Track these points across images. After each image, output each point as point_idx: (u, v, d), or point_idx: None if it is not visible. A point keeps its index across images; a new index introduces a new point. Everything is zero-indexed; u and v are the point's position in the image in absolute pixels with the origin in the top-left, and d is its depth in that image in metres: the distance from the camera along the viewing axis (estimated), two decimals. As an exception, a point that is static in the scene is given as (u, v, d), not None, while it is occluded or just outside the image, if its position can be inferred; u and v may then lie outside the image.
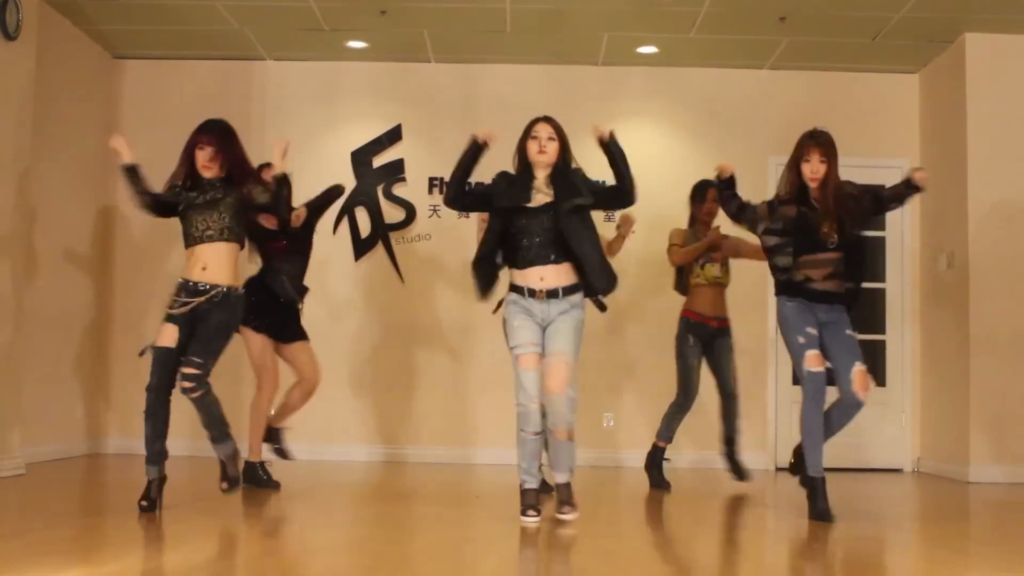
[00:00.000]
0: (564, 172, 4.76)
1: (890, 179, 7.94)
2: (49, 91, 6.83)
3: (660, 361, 7.76)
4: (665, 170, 7.89)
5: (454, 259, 7.77)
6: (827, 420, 5.08)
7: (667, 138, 7.99)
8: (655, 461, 6.28)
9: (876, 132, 7.94)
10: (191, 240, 4.93)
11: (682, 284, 6.41)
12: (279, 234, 5.95)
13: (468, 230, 7.78)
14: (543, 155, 4.70)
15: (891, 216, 7.93)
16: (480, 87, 7.98)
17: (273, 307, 5.97)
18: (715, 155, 7.87)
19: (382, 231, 7.88)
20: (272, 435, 6.09)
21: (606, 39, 7.46)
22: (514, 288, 4.75)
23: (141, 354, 4.96)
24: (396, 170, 7.94)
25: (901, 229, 7.89)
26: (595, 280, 4.70)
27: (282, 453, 6.12)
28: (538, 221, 4.67)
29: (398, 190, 7.94)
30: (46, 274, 6.99)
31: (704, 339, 6.23)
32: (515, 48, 7.63)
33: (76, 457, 7.32)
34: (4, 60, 6.04)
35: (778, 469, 7.56)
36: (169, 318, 4.86)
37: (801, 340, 5.01)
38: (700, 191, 6.45)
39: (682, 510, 5.48)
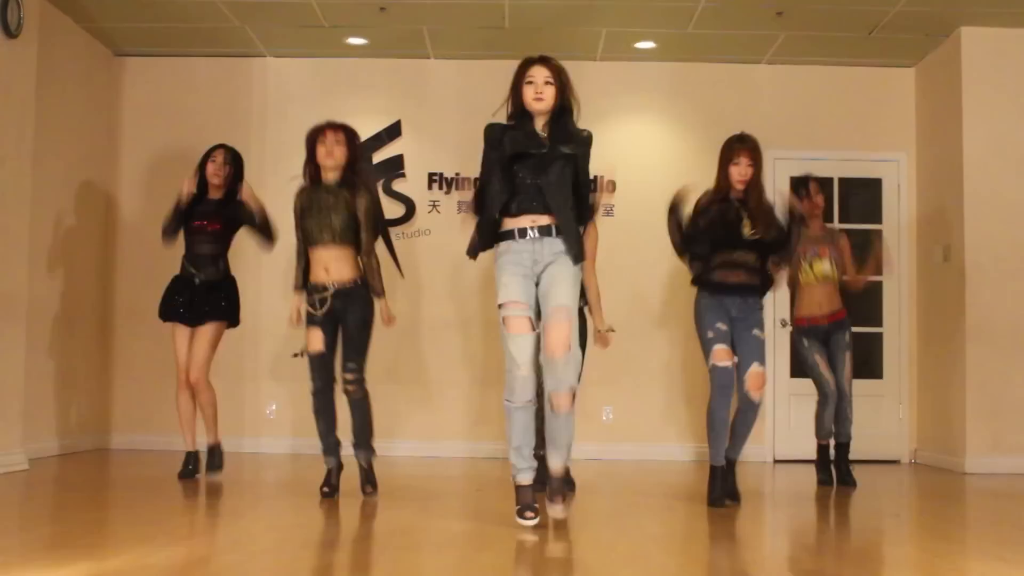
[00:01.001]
0: (560, 116, 4.34)
1: (887, 173, 8.03)
2: (50, 88, 6.86)
3: (660, 354, 7.82)
4: (663, 165, 7.92)
5: (454, 254, 7.79)
6: (733, 427, 5.28)
7: (665, 133, 8.03)
8: (820, 459, 6.33)
9: (873, 126, 7.98)
10: (310, 241, 5.27)
11: (790, 282, 6.38)
12: (200, 217, 5.95)
13: (468, 223, 7.80)
14: (540, 102, 4.28)
15: (887, 210, 7.98)
16: (479, 83, 8.00)
17: (181, 290, 5.96)
18: (713, 149, 7.88)
19: (382, 226, 7.90)
20: (209, 452, 6.07)
21: (604, 34, 7.49)
22: (504, 235, 4.34)
23: (296, 355, 5.39)
24: (396, 166, 7.97)
25: (898, 222, 7.93)
26: (566, 239, 4.29)
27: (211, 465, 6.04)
28: (532, 167, 4.29)
29: (398, 186, 7.97)
30: (48, 270, 7.03)
31: (819, 337, 6.25)
32: (514, 44, 7.64)
33: (79, 453, 7.36)
34: (6, 58, 6.07)
35: (776, 462, 7.61)
36: (312, 321, 5.24)
37: (710, 335, 5.18)
38: (803, 186, 6.39)
39: (680, 503, 5.52)
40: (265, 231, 5.93)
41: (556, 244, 4.29)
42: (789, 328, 7.74)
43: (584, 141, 4.42)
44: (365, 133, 7.97)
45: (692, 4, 6.87)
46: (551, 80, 4.30)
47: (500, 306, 4.31)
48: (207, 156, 6.00)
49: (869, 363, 7.93)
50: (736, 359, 5.17)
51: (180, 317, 5.96)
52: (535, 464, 4.38)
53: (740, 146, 5.23)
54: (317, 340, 5.23)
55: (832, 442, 6.32)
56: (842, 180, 7.90)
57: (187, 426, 6.01)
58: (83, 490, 5.84)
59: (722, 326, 5.17)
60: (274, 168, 7.96)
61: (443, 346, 7.83)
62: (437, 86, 8.03)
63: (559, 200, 4.28)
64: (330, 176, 5.26)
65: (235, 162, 6.01)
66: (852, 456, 6.41)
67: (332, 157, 5.22)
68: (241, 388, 7.68)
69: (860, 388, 7.78)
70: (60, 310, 7.20)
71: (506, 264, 4.32)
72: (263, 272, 7.66)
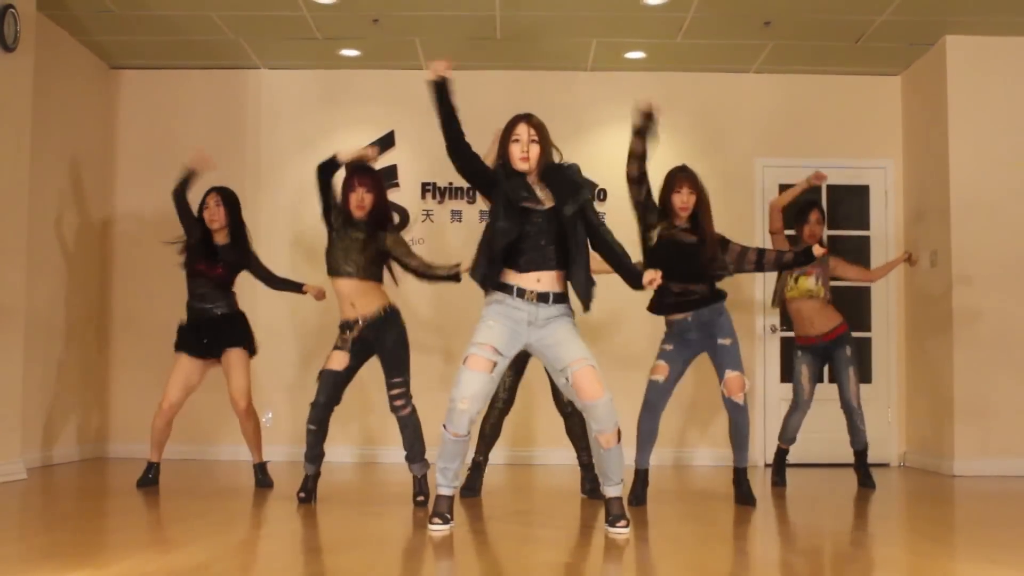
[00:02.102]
0: (556, 170, 4.44)
1: (874, 180, 8.11)
2: (47, 101, 6.92)
3: (650, 360, 7.87)
4: (652, 174, 7.96)
5: (447, 262, 7.85)
6: (730, 437, 5.54)
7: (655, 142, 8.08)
8: (776, 462, 6.55)
9: (859, 133, 8.06)
10: (333, 272, 5.38)
11: (777, 298, 6.47)
12: (205, 265, 5.95)
13: (461, 233, 7.88)
14: (525, 162, 4.40)
15: (875, 215, 8.07)
16: (471, 93, 7.99)
17: (198, 327, 5.98)
18: (703, 158, 7.98)
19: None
20: (255, 470, 6.14)
21: (594, 45, 7.57)
22: (501, 287, 4.41)
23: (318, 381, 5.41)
24: (390, 176, 8.02)
25: (885, 228, 8.01)
26: (577, 289, 4.43)
27: (262, 483, 6.11)
28: (538, 224, 4.37)
29: (392, 195, 8.00)
30: (46, 280, 7.08)
31: (817, 354, 6.39)
32: (505, 54, 7.72)
33: (77, 461, 7.40)
34: (3, 71, 6.13)
35: (766, 465, 7.66)
36: (340, 347, 5.38)
37: (658, 352, 5.58)
38: (803, 213, 6.47)
39: (668, 506, 5.56)
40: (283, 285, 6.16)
41: (551, 310, 4.40)
42: (779, 334, 7.83)
43: (586, 184, 4.49)
44: (359, 144, 8.04)
45: (681, 14, 6.95)
46: (536, 138, 4.42)
47: (470, 344, 4.36)
48: (202, 202, 5.97)
49: (858, 367, 7.98)
50: (668, 376, 5.53)
51: (196, 349, 5.95)
52: (457, 484, 4.53)
53: (681, 175, 5.59)
54: (338, 360, 5.37)
55: (781, 449, 6.53)
56: (830, 187, 7.96)
57: (157, 444, 5.98)
58: (81, 499, 5.87)
59: (668, 347, 5.53)
60: (269, 179, 8.03)
61: (436, 353, 7.88)
62: (430, 96, 8.06)
63: (575, 254, 4.39)
64: (358, 215, 5.41)
65: (228, 202, 5.98)
66: (841, 460, 6.48)
67: (363, 208, 5.39)
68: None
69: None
70: (57, 320, 7.25)
71: (497, 312, 4.39)
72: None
